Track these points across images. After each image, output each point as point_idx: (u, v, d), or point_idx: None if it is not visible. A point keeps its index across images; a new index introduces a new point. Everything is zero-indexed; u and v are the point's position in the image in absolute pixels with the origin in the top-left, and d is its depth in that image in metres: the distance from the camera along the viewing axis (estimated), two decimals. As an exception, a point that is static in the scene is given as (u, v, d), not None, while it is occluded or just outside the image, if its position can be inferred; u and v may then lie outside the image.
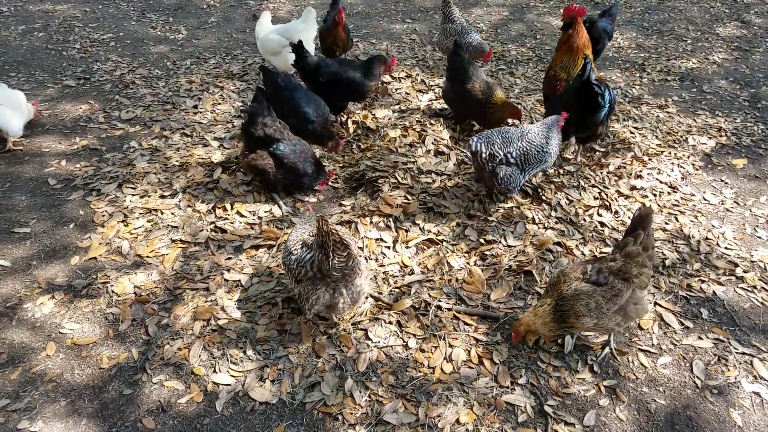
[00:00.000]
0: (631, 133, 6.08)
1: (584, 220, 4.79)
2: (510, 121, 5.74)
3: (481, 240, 4.55)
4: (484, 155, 4.66)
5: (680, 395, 3.47)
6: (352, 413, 3.28)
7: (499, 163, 4.65)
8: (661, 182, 5.33)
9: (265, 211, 4.83)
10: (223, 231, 4.61)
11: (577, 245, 4.51)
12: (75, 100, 6.57)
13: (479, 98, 5.60)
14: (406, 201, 4.90)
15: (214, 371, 3.51)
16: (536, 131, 4.75)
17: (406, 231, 4.63)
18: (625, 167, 5.48)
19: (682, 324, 3.93)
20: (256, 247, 4.46)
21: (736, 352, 3.73)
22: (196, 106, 6.48)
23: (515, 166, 4.67)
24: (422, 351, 3.66)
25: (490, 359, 3.61)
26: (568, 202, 4.99)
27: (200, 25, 8.90)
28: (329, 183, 5.05)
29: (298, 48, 5.70)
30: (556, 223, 4.75)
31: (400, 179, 5.14)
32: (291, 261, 3.55)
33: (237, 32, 8.72)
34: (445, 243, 4.52)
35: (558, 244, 4.51)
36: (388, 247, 4.47)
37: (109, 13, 9.21)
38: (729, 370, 3.61)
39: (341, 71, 5.74)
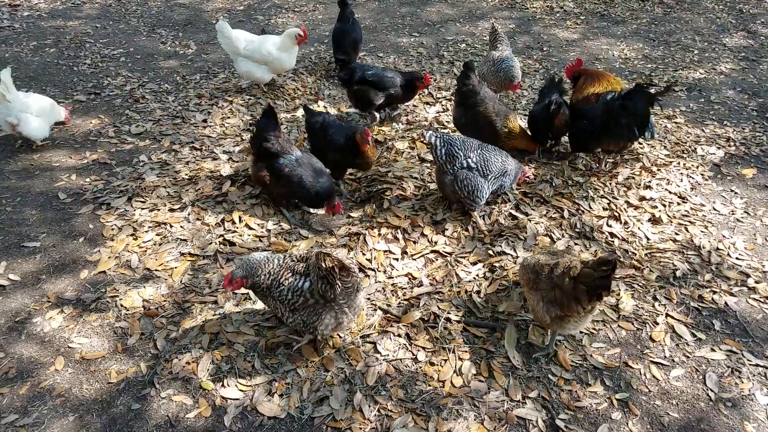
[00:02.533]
0: (639, 143, 6.05)
1: (596, 231, 4.76)
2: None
3: (490, 252, 4.53)
4: (439, 151, 4.71)
5: (693, 408, 3.42)
6: (361, 428, 3.25)
7: (460, 166, 4.67)
8: (670, 192, 5.30)
9: (274, 224, 4.84)
10: (232, 244, 4.61)
11: (588, 257, 4.48)
12: (85, 115, 6.62)
13: (493, 121, 5.45)
14: (414, 213, 4.90)
15: (223, 385, 3.50)
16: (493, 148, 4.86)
17: (414, 242, 4.62)
18: (633, 178, 5.45)
19: (695, 336, 3.89)
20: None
21: (750, 364, 3.69)
22: (205, 120, 6.51)
23: (476, 172, 4.67)
24: (432, 364, 3.64)
25: (501, 372, 3.58)
26: (577, 212, 4.97)
27: (209, 40, 8.97)
28: (335, 213, 4.82)
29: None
30: (570, 237, 4.73)
31: (408, 191, 5.14)
32: (284, 292, 3.44)
33: (245, 47, 8.76)
34: (453, 254, 4.50)
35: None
36: (397, 259, 4.46)
37: (120, 29, 9.30)
38: (743, 383, 3.57)
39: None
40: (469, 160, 4.66)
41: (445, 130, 6.12)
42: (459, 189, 4.66)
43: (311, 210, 5.03)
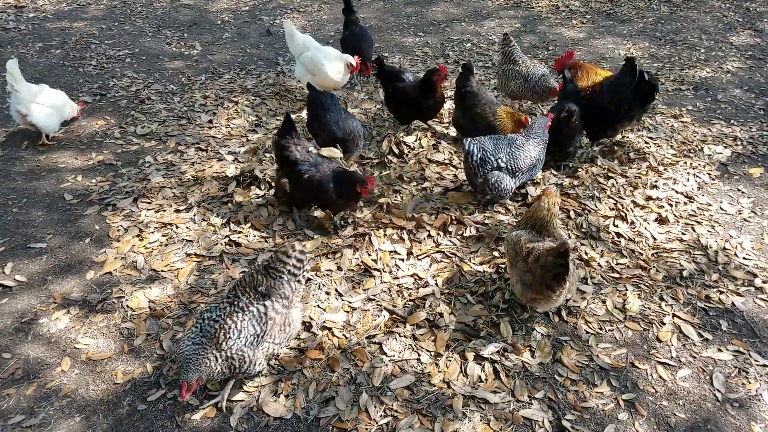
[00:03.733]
0: (646, 143, 6.03)
1: (602, 231, 4.75)
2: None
3: (495, 253, 4.52)
4: (475, 158, 4.78)
5: (700, 408, 3.41)
6: (367, 429, 3.25)
7: (491, 168, 4.76)
8: (677, 192, 5.27)
9: (279, 225, 4.84)
10: (237, 244, 4.61)
11: (595, 257, 4.47)
12: (91, 116, 6.64)
13: (491, 122, 5.52)
14: (418, 213, 4.89)
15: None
16: (523, 139, 4.94)
17: (420, 243, 4.61)
18: (640, 177, 5.43)
19: (701, 336, 3.87)
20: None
21: (757, 365, 3.67)
22: (210, 121, 6.52)
23: (506, 171, 4.79)
24: (437, 365, 3.63)
25: (507, 373, 3.57)
26: (584, 212, 4.95)
27: (215, 41, 8.99)
28: (371, 189, 4.59)
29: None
30: (577, 236, 4.71)
31: (412, 191, 5.14)
32: (247, 331, 3.22)
33: (251, 47, 8.79)
34: (458, 255, 4.50)
35: (579, 258, 4.47)
36: (402, 260, 4.46)
37: (125, 30, 9.33)
38: (750, 383, 3.55)
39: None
40: (500, 161, 4.78)
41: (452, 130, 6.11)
42: (489, 189, 4.83)
43: (336, 217, 4.87)
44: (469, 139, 4.86)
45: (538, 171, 5.08)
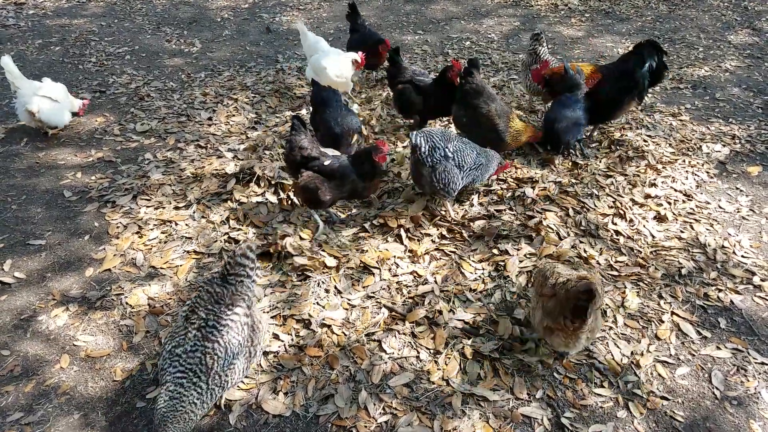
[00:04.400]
0: (645, 141, 6.04)
1: (601, 229, 4.75)
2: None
3: (494, 251, 4.52)
4: (423, 149, 4.65)
5: (699, 406, 3.41)
6: (366, 426, 3.25)
7: (439, 158, 4.64)
8: (675, 190, 5.28)
9: (278, 222, 4.83)
10: (237, 242, 4.61)
11: (593, 255, 4.47)
12: (90, 113, 6.63)
13: (496, 124, 5.36)
14: (417, 212, 4.89)
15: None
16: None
17: (419, 240, 4.61)
18: (639, 175, 5.44)
19: (700, 334, 3.88)
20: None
21: (756, 362, 3.68)
22: (210, 118, 6.52)
23: (453, 163, 4.67)
24: (436, 362, 3.64)
25: (506, 371, 3.58)
26: (582, 210, 4.96)
27: (214, 38, 8.98)
28: (387, 151, 4.57)
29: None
30: (576, 234, 4.72)
31: (411, 190, 5.14)
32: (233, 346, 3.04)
33: (251, 45, 8.78)
34: (457, 253, 4.50)
35: (578, 256, 4.48)
36: (401, 258, 4.46)
37: (125, 27, 9.32)
38: (748, 381, 3.56)
39: None
40: (447, 150, 4.66)
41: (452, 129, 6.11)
42: (436, 181, 4.65)
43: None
44: (414, 131, 4.73)
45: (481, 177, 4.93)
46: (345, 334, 3.83)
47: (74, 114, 6.30)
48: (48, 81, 6.06)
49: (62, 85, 6.16)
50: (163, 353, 2.99)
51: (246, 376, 3.48)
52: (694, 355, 3.73)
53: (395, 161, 5.60)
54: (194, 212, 4.94)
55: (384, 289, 4.19)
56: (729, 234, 4.79)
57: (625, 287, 4.20)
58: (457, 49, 8.63)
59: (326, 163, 4.56)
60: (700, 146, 6.03)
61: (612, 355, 3.70)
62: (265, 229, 4.76)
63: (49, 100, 5.86)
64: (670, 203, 5.11)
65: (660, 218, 4.92)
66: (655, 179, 5.39)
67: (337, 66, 6.50)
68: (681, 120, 6.59)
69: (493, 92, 5.57)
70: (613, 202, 5.08)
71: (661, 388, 3.51)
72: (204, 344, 2.94)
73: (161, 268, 4.37)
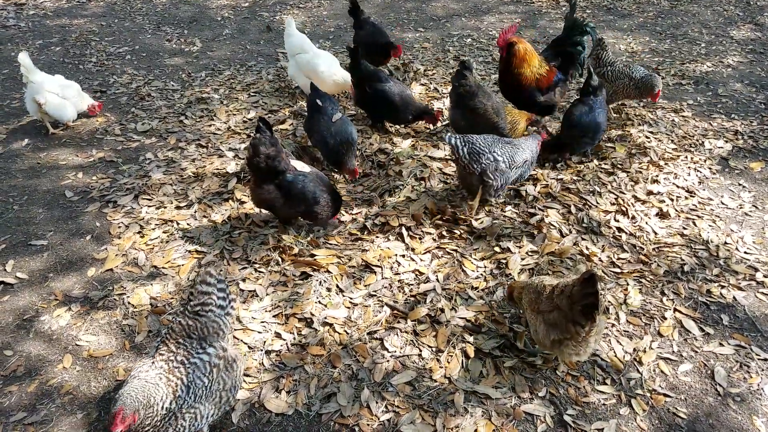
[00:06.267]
0: (647, 137, 6.02)
1: (603, 226, 4.74)
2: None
3: (496, 248, 4.52)
4: (463, 151, 4.63)
5: (702, 403, 3.41)
6: (368, 424, 3.25)
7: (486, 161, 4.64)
8: (678, 187, 5.27)
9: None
10: (234, 243, 4.61)
11: (596, 252, 4.47)
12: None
13: (496, 122, 5.33)
14: (418, 210, 4.88)
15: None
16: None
17: (420, 239, 4.61)
18: (641, 172, 5.42)
19: (703, 330, 3.87)
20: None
21: (759, 359, 3.67)
22: (211, 118, 6.51)
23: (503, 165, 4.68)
24: (438, 360, 3.64)
25: (509, 368, 3.57)
26: (585, 207, 4.95)
27: (215, 38, 8.98)
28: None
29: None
30: (578, 231, 4.71)
31: (412, 188, 5.13)
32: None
33: (251, 44, 8.77)
34: (459, 251, 4.49)
35: (580, 253, 4.47)
36: (403, 256, 4.45)
37: (125, 27, 9.32)
38: (751, 377, 3.55)
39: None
40: (495, 155, 4.66)
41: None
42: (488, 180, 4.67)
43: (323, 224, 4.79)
44: (449, 133, 4.71)
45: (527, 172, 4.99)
46: (347, 333, 3.82)
47: (84, 114, 6.38)
48: (60, 77, 6.18)
49: (75, 84, 6.26)
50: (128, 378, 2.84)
51: (245, 381, 3.47)
52: (696, 352, 3.73)
53: (393, 161, 5.58)
54: (196, 212, 4.94)
55: (386, 287, 4.18)
56: (731, 230, 4.78)
57: (628, 284, 4.19)
58: (458, 46, 8.61)
59: (292, 181, 4.40)
60: (703, 142, 6.02)
61: (614, 352, 3.69)
62: (266, 228, 4.76)
63: (56, 95, 5.98)
64: (672, 200, 5.09)
65: (662, 215, 4.91)
66: (657, 176, 5.37)
67: (335, 67, 6.48)
68: (683, 116, 6.57)
69: (488, 89, 5.56)
70: (615, 198, 5.07)
71: (664, 385, 3.51)
72: (168, 376, 2.79)
73: (163, 267, 4.37)
